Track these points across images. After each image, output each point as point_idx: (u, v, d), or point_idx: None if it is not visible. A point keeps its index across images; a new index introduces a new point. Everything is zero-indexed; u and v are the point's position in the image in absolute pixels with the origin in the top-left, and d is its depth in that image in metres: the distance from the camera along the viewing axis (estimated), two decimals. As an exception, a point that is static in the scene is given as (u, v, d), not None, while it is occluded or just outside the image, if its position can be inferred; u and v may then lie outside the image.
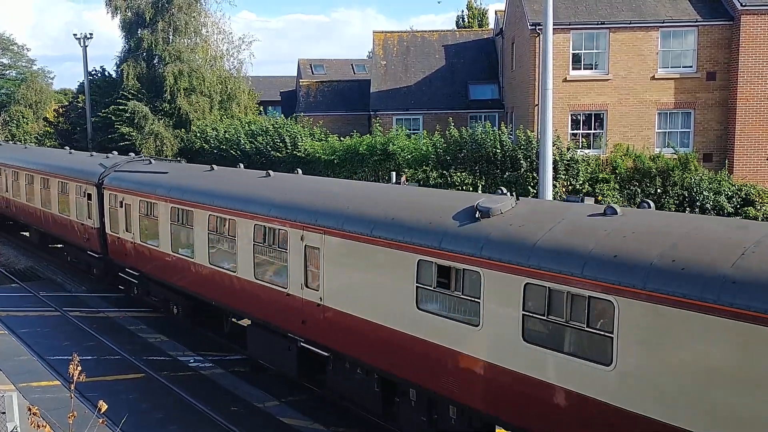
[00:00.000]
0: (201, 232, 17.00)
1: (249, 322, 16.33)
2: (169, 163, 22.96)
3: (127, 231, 20.66)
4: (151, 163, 22.37)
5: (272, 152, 31.42)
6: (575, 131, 27.95)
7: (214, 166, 19.91)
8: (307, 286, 13.53)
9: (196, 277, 17.44)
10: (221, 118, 38.83)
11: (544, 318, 9.32)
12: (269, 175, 16.78)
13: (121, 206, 20.75)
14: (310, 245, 13.33)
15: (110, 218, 21.76)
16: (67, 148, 34.66)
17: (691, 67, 27.31)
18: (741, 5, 25.92)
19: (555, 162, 23.37)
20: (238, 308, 16.38)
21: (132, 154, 25.01)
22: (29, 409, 6.10)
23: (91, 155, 27.07)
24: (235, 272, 15.67)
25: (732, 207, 24.15)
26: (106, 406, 6.11)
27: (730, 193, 24.41)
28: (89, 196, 22.90)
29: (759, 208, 24.00)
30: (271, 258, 14.75)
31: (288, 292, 14.01)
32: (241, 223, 15.34)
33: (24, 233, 33.38)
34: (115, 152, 27.19)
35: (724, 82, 26.94)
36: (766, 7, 25.88)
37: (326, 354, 13.43)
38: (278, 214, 14.28)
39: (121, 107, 37.96)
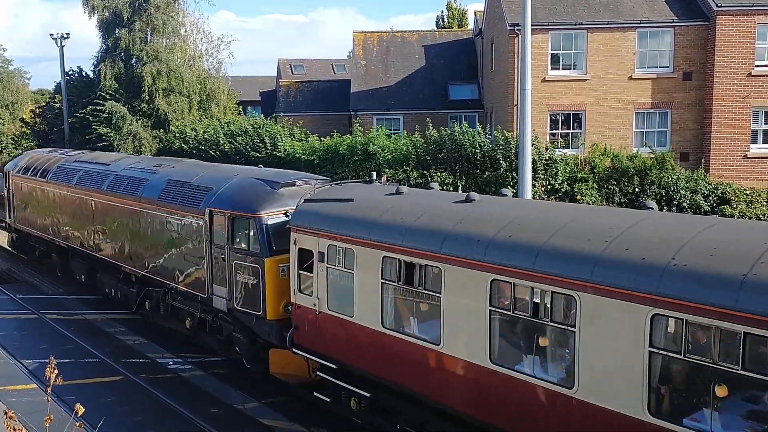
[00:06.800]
0: None
1: None
2: None
3: None
4: None
5: (252, 152, 31.28)
6: (554, 131, 28.12)
7: None
8: None
9: None
10: (200, 118, 38.57)
11: None
12: None
13: None
14: None
15: None
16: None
17: (667, 67, 27.59)
18: (716, 6, 26.22)
19: (534, 162, 23.49)
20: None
21: None
22: (5, 413, 6.04)
23: None
24: None
25: (708, 205, 24.44)
26: (83, 409, 6.08)
27: (706, 192, 24.70)
28: None
29: (735, 206, 24.31)
30: None
31: None
32: None
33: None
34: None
35: (700, 81, 27.24)
36: (740, 7, 26.21)
37: None
38: None
39: (98, 108, 37.59)
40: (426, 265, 10.72)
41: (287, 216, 14.17)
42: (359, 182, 15.94)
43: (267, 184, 15.34)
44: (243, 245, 14.88)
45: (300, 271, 13.27)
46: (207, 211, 15.65)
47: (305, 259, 13.12)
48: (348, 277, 12.15)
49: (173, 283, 17.35)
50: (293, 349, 13.62)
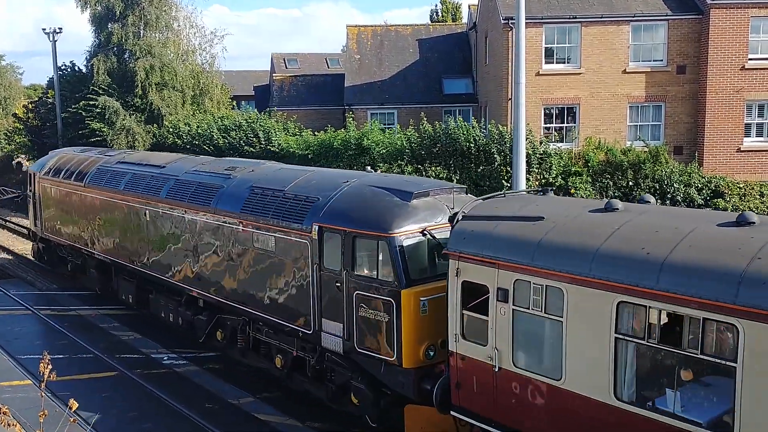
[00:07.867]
0: None
1: None
2: None
3: None
4: None
5: (246, 147, 31.24)
6: (548, 125, 28.13)
7: None
8: None
9: None
10: (194, 113, 38.46)
11: None
12: None
13: None
14: None
15: None
16: None
17: (661, 60, 27.63)
18: (710, -1, 26.27)
19: (528, 156, 23.51)
20: None
21: None
22: (-1, 409, 6.03)
23: None
24: None
25: (702, 199, 24.51)
26: (77, 405, 6.08)
27: (700, 185, 24.78)
28: None
29: (728, 199, 24.38)
30: None
31: None
32: None
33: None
34: None
35: (694, 75, 27.29)
36: (734, 1, 26.24)
37: None
38: None
39: (91, 103, 37.43)
40: (705, 318, 7.69)
41: (424, 235, 11.52)
42: (531, 192, 13.22)
43: (394, 194, 12.15)
44: (367, 272, 11.80)
45: (465, 312, 10.18)
46: (314, 227, 12.53)
47: (473, 295, 10.06)
48: (552, 325, 9.10)
49: (260, 313, 14.23)
50: (451, 412, 10.54)
